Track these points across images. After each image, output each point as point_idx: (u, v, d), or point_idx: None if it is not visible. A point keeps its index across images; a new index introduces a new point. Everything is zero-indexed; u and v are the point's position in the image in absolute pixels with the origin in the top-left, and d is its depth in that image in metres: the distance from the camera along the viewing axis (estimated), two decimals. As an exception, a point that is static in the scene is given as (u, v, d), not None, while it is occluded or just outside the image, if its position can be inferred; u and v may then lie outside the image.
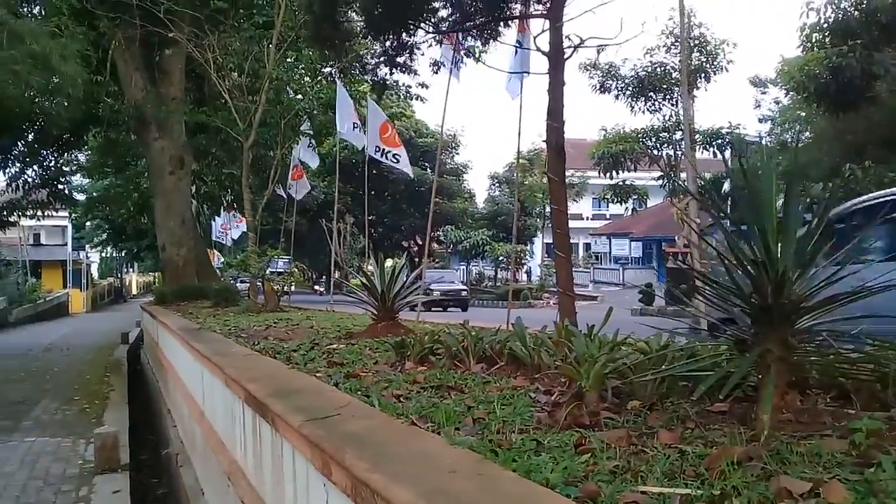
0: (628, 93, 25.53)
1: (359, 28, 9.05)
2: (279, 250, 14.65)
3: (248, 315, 11.32)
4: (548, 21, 7.42)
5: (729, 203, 4.65)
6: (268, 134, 16.07)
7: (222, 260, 26.19)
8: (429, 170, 41.13)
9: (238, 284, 18.80)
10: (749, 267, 2.75)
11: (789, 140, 31.38)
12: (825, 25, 20.20)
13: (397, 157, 13.93)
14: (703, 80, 24.83)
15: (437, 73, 11.94)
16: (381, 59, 9.68)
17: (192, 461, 7.38)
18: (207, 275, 18.71)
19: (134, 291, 78.33)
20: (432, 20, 8.54)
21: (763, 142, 25.43)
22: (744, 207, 2.93)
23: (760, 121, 36.25)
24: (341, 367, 4.76)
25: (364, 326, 7.54)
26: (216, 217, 29.35)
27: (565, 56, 7.16)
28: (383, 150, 13.69)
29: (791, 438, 2.53)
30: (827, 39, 20.38)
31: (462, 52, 9.81)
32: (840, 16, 19.77)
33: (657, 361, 3.34)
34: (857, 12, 19.33)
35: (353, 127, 15.10)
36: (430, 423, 2.92)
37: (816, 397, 3.16)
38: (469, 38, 9.71)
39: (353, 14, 9.58)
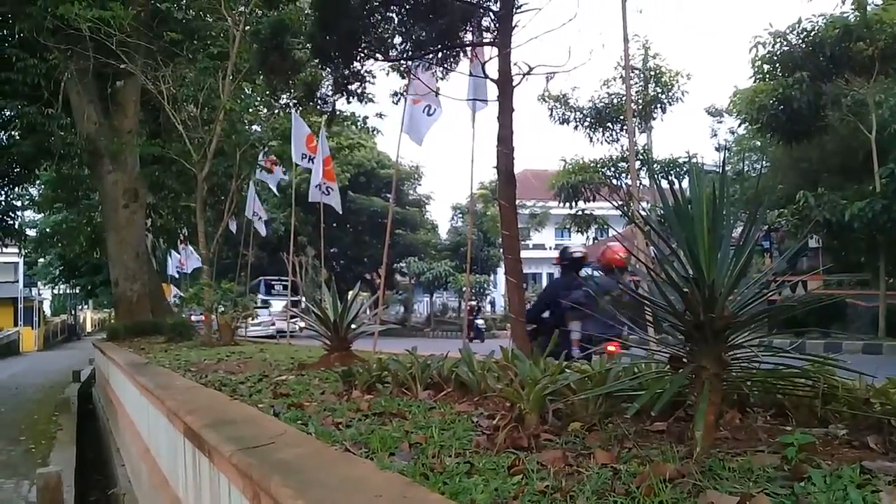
0: (587, 124, 25.92)
1: (307, 57, 9.08)
2: (234, 284, 14.46)
3: (200, 349, 11.12)
4: (496, 49, 7.51)
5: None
6: (223, 165, 15.93)
7: (177, 294, 25.80)
8: (394, 202, 41.16)
9: (192, 318, 18.50)
10: (681, 284, 2.76)
11: (745, 169, 32.06)
12: (774, 57, 20.81)
13: (330, 189, 14.02)
14: (659, 110, 25.31)
15: (396, 103, 11.96)
16: (332, 87, 9.72)
17: (138, 501, 7.16)
18: (162, 310, 18.37)
19: (88, 328, 76.64)
20: (383, 49, 8.59)
21: (718, 170, 25.89)
22: (677, 227, 2.94)
23: (717, 150, 36.98)
24: (286, 398, 4.67)
25: (318, 358, 7.44)
26: (172, 251, 28.96)
27: (514, 83, 7.23)
28: (321, 184, 13.75)
29: (725, 455, 2.52)
30: (777, 70, 20.98)
31: (417, 80, 9.85)
32: (787, 48, 20.38)
33: (599, 382, 3.32)
34: (803, 44, 19.95)
35: (302, 157, 15.05)
36: (364, 449, 2.87)
37: (756, 415, 3.18)
38: (422, 68, 9.76)
39: (301, 43, 9.62)
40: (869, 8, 20.09)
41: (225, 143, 15.02)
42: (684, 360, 2.85)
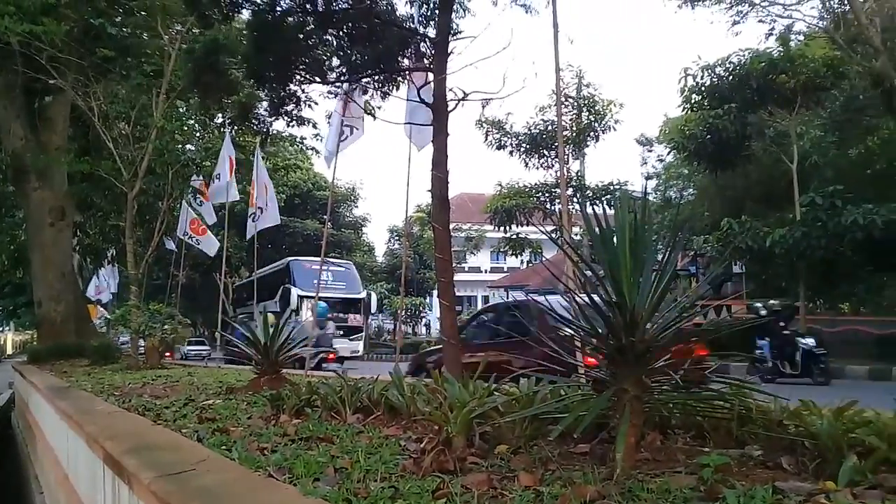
0: (522, 149, 26.32)
1: (242, 77, 9.01)
2: (163, 305, 14.08)
3: (126, 373, 10.79)
4: (433, 74, 7.58)
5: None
6: (154, 184, 15.60)
7: (103, 315, 25.01)
8: (330, 223, 40.86)
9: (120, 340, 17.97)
10: (604, 308, 2.82)
11: (673, 196, 32.95)
12: (703, 89, 21.53)
13: (263, 209, 14.03)
14: (591, 138, 25.86)
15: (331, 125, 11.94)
16: (268, 108, 9.66)
17: (56, 530, 6.88)
18: (86, 332, 17.76)
19: (9, 351, 73.58)
20: (320, 72, 8.58)
21: (647, 197, 26.54)
22: (601, 252, 3.01)
23: (647, 177, 37.93)
24: (212, 423, 4.56)
25: (247, 382, 7.31)
26: (100, 271, 28.10)
27: (449, 109, 7.31)
28: (255, 209, 13.68)
29: (645, 476, 2.58)
30: (705, 101, 21.70)
31: (351, 103, 9.88)
32: (715, 80, 21.13)
33: (525, 404, 3.36)
34: (731, 77, 20.70)
35: (216, 178, 14.87)
36: (288, 475, 2.83)
37: (676, 436, 3.26)
38: (360, 91, 9.79)
39: (237, 63, 9.54)
40: (792, 44, 21.03)
41: (157, 162, 14.72)
42: (607, 382, 2.91)
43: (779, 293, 20.12)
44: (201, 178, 17.32)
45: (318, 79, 8.63)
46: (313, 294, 25.73)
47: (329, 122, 10.75)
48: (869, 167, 20.44)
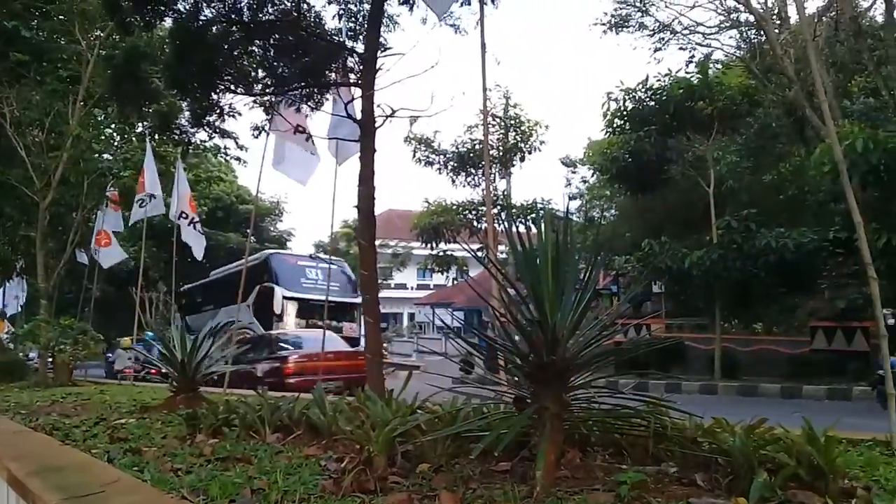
0: (450, 167, 26.46)
1: (164, 86, 8.79)
2: (75, 320, 13.53)
3: (34, 390, 10.32)
4: (360, 90, 7.55)
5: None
6: (69, 194, 15.03)
7: (10, 330, 23.90)
8: (253, 237, 40.08)
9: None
10: (526, 326, 2.84)
11: (596, 217, 33.63)
12: (624, 112, 22.07)
13: (195, 225, 13.74)
14: (518, 158, 26.19)
15: (257, 137, 11.72)
16: (190, 119, 9.44)
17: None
18: (-8, 347, 16.95)
19: None
20: (244, 83, 8.45)
21: (570, 217, 26.94)
22: (524, 273, 3.03)
23: (571, 198, 38.59)
24: (124, 443, 4.40)
25: (162, 400, 7.08)
26: (7, 283, 26.81)
27: (377, 125, 7.29)
28: (191, 218, 13.34)
29: (564, 494, 2.60)
30: (626, 125, 22.24)
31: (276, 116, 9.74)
32: (637, 104, 21.69)
33: (448, 422, 3.35)
34: (651, 101, 21.29)
35: (153, 197, 14.48)
36: (202, 496, 2.74)
37: (595, 453, 3.29)
38: (284, 104, 9.67)
39: (159, 71, 9.30)
40: (710, 71, 21.80)
41: (71, 171, 14.20)
42: (528, 400, 2.92)
43: (696, 313, 20.73)
44: (115, 188, 16.76)
45: (242, 90, 8.48)
46: (301, 295, 21.16)
47: (260, 135, 10.54)
48: (781, 192, 21.27)
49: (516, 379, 3.18)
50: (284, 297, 20.97)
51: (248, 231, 16.74)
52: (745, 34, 24.21)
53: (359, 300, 20.59)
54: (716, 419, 3.19)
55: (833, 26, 21.95)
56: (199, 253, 15.23)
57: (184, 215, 13.43)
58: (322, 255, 22.88)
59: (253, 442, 4.15)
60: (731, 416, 3.28)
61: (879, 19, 21.25)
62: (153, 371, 19.34)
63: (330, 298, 18.59)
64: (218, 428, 4.53)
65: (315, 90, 9.32)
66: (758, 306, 18.84)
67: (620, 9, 24.19)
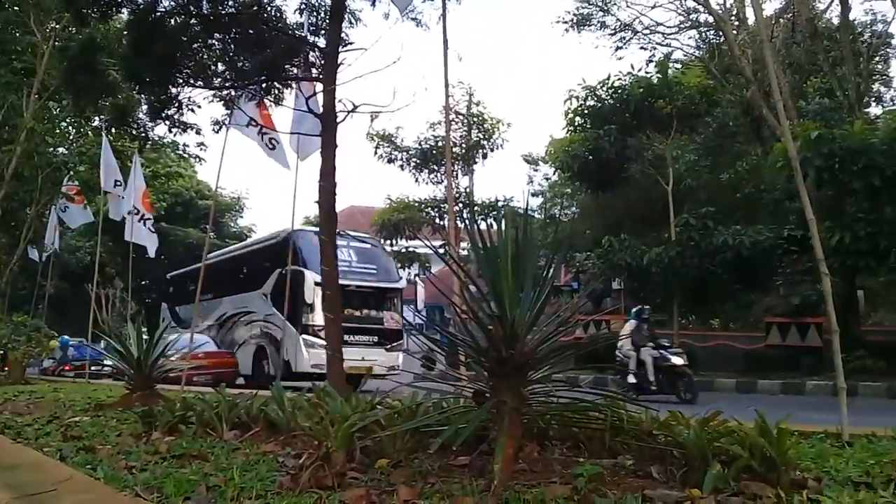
0: (412, 164, 26.47)
1: (121, 79, 8.63)
2: (28, 317, 13.22)
3: (-15, 388, 10.07)
4: (322, 84, 7.51)
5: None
6: (22, 189, 14.68)
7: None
8: (212, 233, 39.54)
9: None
10: (486, 322, 2.85)
11: (557, 214, 33.87)
12: (586, 111, 22.26)
13: (148, 222, 13.56)
14: (480, 155, 26.30)
15: (217, 132, 11.56)
16: (148, 112, 9.29)
17: None
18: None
19: None
20: (203, 76, 8.33)
21: (534, 215, 27.12)
22: (485, 270, 3.04)
23: (533, 195, 38.78)
24: (78, 441, 4.31)
25: (118, 398, 6.97)
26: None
27: (338, 120, 7.25)
28: (142, 214, 13.18)
29: (522, 487, 2.61)
30: (588, 123, 22.44)
31: (236, 110, 9.64)
32: (598, 103, 21.90)
33: (407, 417, 3.34)
34: (612, 100, 21.51)
35: (115, 184, 14.25)
36: (157, 494, 2.70)
37: (553, 447, 3.32)
38: (245, 98, 9.57)
39: (114, 63, 9.14)
40: (670, 71, 22.09)
41: (24, 166, 13.87)
42: (487, 395, 2.93)
43: (655, 308, 21.01)
44: (73, 182, 16.41)
45: (201, 84, 8.37)
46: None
47: (220, 130, 10.40)
48: (738, 191, 21.66)
49: (476, 374, 3.18)
50: (317, 284, 14.65)
51: (208, 227, 16.50)
52: (704, 35, 24.58)
53: (401, 285, 18.27)
54: (671, 413, 3.24)
55: (790, 28, 22.39)
56: (151, 250, 15.02)
57: (135, 211, 13.24)
58: (353, 233, 18.55)
59: (210, 439, 4.11)
60: (688, 409, 3.32)
61: (835, 21, 21.73)
62: (66, 367, 20.13)
63: (369, 284, 16.37)
64: (174, 425, 4.47)
65: (276, 84, 9.25)
66: (715, 302, 19.18)
67: (582, 7, 24.40)
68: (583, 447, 3.23)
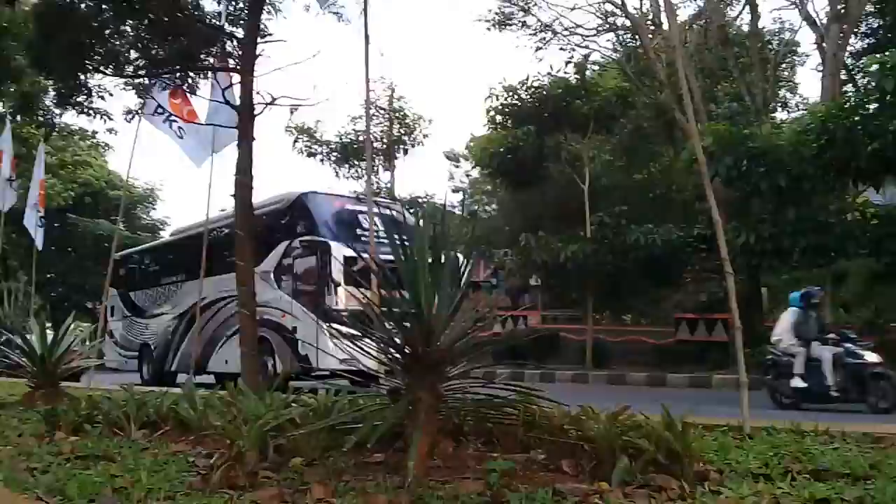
0: (332, 158, 26.22)
1: (26, 64, 8.24)
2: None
3: None
4: (239, 76, 7.34)
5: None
6: None
7: None
8: (124, 225, 38.13)
9: None
10: (402, 319, 2.86)
11: (477, 211, 34.14)
12: (505, 109, 22.49)
13: (42, 219, 13.05)
14: (401, 151, 26.27)
15: (129, 121, 11.15)
16: (56, 99, 8.90)
17: None
18: None
19: None
20: (115, 64, 8.03)
21: (455, 211, 27.26)
22: (401, 264, 3.04)
23: (454, 191, 38.95)
24: (-26, 442, 4.11)
25: (20, 396, 6.67)
26: None
27: (256, 112, 7.10)
28: (36, 209, 12.67)
29: (436, 483, 2.64)
30: (507, 121, 22.67)
31: (149, 99, 9.33)
32: (517, 102, 22.15)
33: (322, 415, 3.32)
34: (531, 99, 21.79)
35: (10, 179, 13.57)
36: (59, 497, 2.60)
37: (468, 443, 3.36)
38: (158, 87, 9.27)
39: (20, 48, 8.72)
40: (588, 72, 22.53)
41: None
42: (403, 392, 2.94)
43: (570, 305, 21.46)
44: None
45: (112, 71, 8.06)
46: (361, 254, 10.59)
47: (133, 119, 10.02)
48: (651, 191, 22.27)
49: (393, 371, 3.19)
50: (346, 258, 11.34)
51: (119, 218, 15.90)
52: (621, 38, 25.12)
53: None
54: (583, 407, 3.31)
55: (703, 34, 23.13)
56: (39, 243, 14.31)
57: (34, 206, 12.71)
58: (364, 196, 13.80)
59: (117, 439, 3.98)
60: (599, 404, 3.41)
61: (745, 29, 22.58)
62: None
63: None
64: (79, 425, 4.32)
65: (191, 74, 9.01)
66: (627, 298, 19.72)
67: (504, 6, 24.59)
68: (497, 442, 3.28)
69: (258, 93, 7.37)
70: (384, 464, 2.95)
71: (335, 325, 10.44)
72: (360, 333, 3.11)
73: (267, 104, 7.46)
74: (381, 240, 10.68)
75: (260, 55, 7.54)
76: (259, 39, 7.59)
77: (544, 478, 2.75)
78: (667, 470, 2.74)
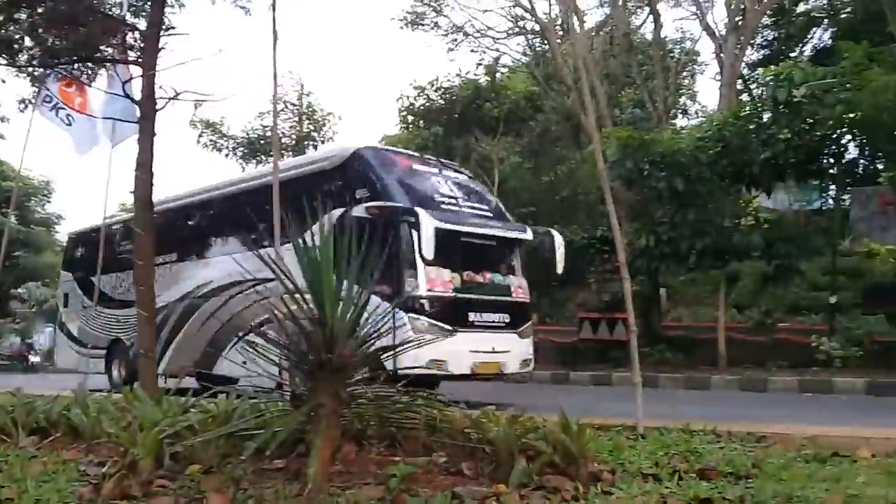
0: (239, 153, 25.69)
1: None
2: None
3: None
4: (140, 69, 7.11)
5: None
6: None
7: None
8: (13, 217, 36.20)
9: None
10: (306, 325, 2.84)
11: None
12: (416, 109, 22.58)
13: None
14: (310, 147, 25.94)
15: (23, 111, 10.60)
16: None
17: None
18: None
19: None
20: (7, 51, 7.63)
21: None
22: (305, 269, 3.01)
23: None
24: None
25: None
26: None
27: (158, 106, 6.89)
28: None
29: (337, 489, 2.64)
30: (419, 122, 22.77)
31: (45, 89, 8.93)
32: (427, 102, 22.27)
33: (221, 421, 3.26)
34: (441, 100, 21.95)
35: None
36: (-67, 512, 2.47)
37: (371, 447, 3.37)
38: (54, 77, 8.88)
39: None
40: (498, 75, 22.85)
41: None
42: (305, 397, 2.92)
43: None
44: None
45: (4, 60, 7.67)
46: (456, 227, 9.52)
47: (27, 109, 9.53)
48: (558, 193, 22.81)
49: (295, 376, 3.16)
50: (437, 230, 8.97)
51: (10, 211, 15.13)
52: (530, 42, 25.58)
53: (526, 235, 11.18)
54: (483, 411, 3.38)
55: (608, 41, 23.81)
56: None
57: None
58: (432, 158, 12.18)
59: (3, 446, 3.80)
60: (505, 402, 3.48)
61: (649, 37, 23.37)
62: None
63: (488, 232, 10.18)
64: (-40, 433, 4.10)
65: (90, 66, 8.66)
66: (535, 298, 20.09)
67: (416, 6, 24.64)
68: (400, 446, 3.30)
69: (161, 87, 7.15)
70: (285, 470, 2.93)
71: (422, 317, 8.74)
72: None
73: (170, 99, 7.24)
74: (464, 207, 9.91)
75: (163, 48, 7.32)
76: (162, 32, 7.36)
77: (444, 481, 2.80)
78: (563, 471, 2.83)
